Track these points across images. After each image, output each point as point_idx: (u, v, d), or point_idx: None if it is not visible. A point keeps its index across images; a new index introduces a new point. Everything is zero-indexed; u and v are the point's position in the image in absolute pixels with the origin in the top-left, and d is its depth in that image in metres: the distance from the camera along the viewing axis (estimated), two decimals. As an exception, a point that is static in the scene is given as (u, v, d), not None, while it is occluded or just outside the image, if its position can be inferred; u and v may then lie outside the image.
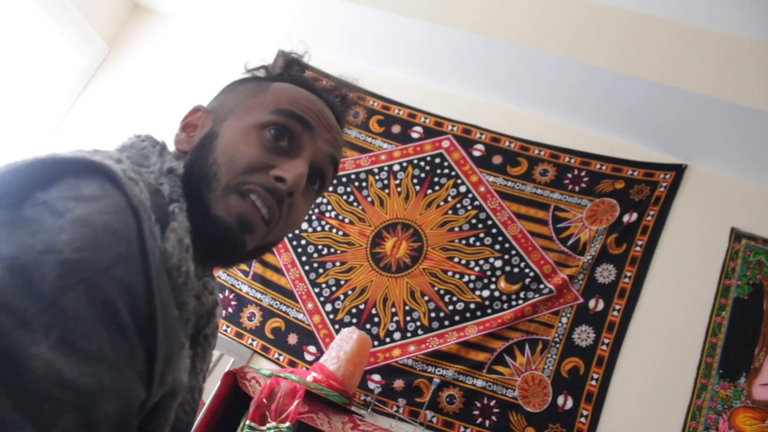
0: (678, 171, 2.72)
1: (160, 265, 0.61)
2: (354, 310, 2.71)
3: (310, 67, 1.00)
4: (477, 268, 2.70)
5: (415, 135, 2.99)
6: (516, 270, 2.67)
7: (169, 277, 0.63)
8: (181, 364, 0.64)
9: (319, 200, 2.91)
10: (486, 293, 2.65)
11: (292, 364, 2.65)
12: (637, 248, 2.64)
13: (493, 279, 2.67)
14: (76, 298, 0.51)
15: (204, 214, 0.74)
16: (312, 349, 2.67)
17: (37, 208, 0.56)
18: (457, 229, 2.78)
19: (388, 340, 2.64)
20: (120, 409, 0.52)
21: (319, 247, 2.84)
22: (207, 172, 0.77)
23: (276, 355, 2.68)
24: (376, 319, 2.68)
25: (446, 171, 2.90)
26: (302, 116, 0.83)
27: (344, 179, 2.95)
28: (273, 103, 0.84)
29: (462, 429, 2.48)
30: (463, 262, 2.72)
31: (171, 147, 0.83)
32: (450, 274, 2.71)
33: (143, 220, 0.60)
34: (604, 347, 2.50)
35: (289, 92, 0.87)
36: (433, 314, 2.65)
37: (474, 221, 2.78)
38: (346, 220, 2.87)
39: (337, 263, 2.80)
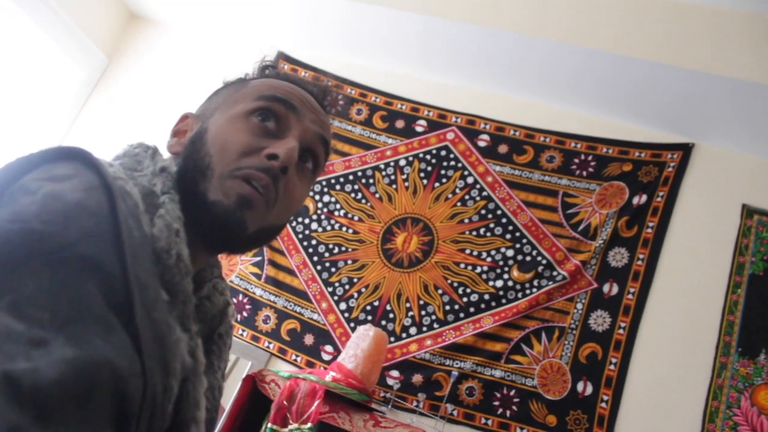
0: (685, 150, 2.71)
1: (138, 245, 0.61)
2: (368, 308, 2.71)
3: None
4: (489, 259, 2.69)
5: (419, 129, 2.99)
6: (528, 258, 2.66)
7: (158, 259, 0.65)
8: (180, 347, 0.63)
9: (327, 199, 2.91)
10: (499, 283, 2.64)
11: (309, 364, 2.65)
12: (649, 230, 2.63)
13: (506, 269, 2.67)
14: (38, 268, 0.50)
15: (202, 203, 0.76)
16: (329, 348, 2.67)
17: (13, 191, 0.57)
18: (466, 220, 2.78)
19: (404, 335, 2.64)
20: (82, 376, 0.48)
21: (330, 246, 2.84)
22: (200, 164, 0.79)
23: (293, 357, 2.69)
24: (391, 315, 2.68)
25: (452, 163, 2.89)
26: (284, 98, 0.86)
27: (351, 177, 2.95)
28: (255, 92, 0.87)
29: (483, 420, 2.47)
30: (475, 253, 2.71)
31: (164, 153, 0.85)
32: (462, 266, 2.70)
33: (116, 197, 0.61)
34: (620, 331, 2.49)
35: (269, 82, 0.90)
36: (447, 307, 2.65)
37: (483, 212, 2.78)
38: (356, 218, 2.87)
39: (349, 261, 2.80)
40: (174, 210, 0.71)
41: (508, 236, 2.72)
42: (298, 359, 2.68)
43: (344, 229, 2.86)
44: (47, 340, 0.47)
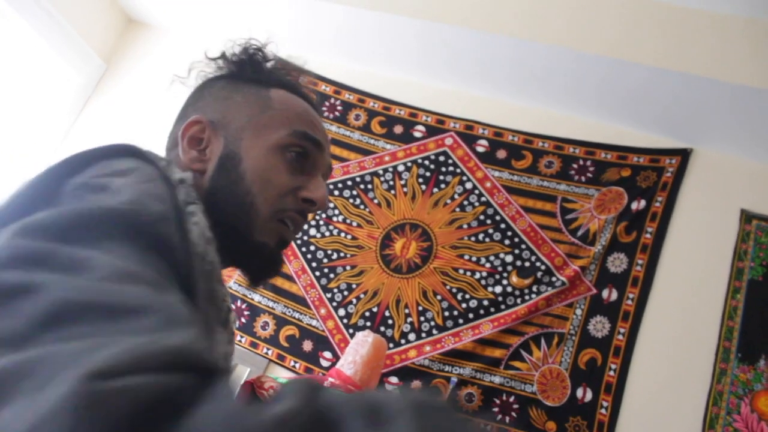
0: (684, 155, 2.71)
1: (195, 237, 0.63)
2: (367, 314, 2.70)
3: (290, 65, 1.02)
4: (488, 265, 2.69)
5: (417, 134, 2.98)
6: (527, 264, 2.66)
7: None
8: (218, 350, 0.66)
9: (325, 205, 2.91)
10: (498, 289, 2.64)
11: (308, 371, 2.65)
12: (648, 235, 2.62)
13: (505, 274, 2.66)
14: (120, 239, 0.51)
15: (246, 241, 0.80)
16: (327, 354, 2.67)
17: (75, 190, 0.56)
18: (465, 226, 2.77)
19: (403, 341, 2.63)
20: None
21: (329, 252, 2.83)
22: (242, 201, 0.80)
23: (292, 363, 2.68)
24: (390, 321, 2.67)
25: (451, 168, 2.89)
26: (316, 138, 0.88)
27: (349, 182, 2.94)
28: (286, 121, 0.87)
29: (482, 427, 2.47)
30: (474, 259, 2.71)
31: (161, 152, 0.86)
32: (461, 271, 2.70)
33: (176, 188, 0.63)
34: (620, 337, 2.49)
35: (293, 107, 0.90)
36: (446, 313, 2.65)
37: (482, 217, 2.77)
38: (354, 224, 2.86)
39: (348, 267, 2.80)
40: (204, 219, 0.71)
41: (507, 242, 2.71)
42: (297, 365, 2.67)
43: (343, 234, 2.85)
44: (163, 286, 0.48)
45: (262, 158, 0.83)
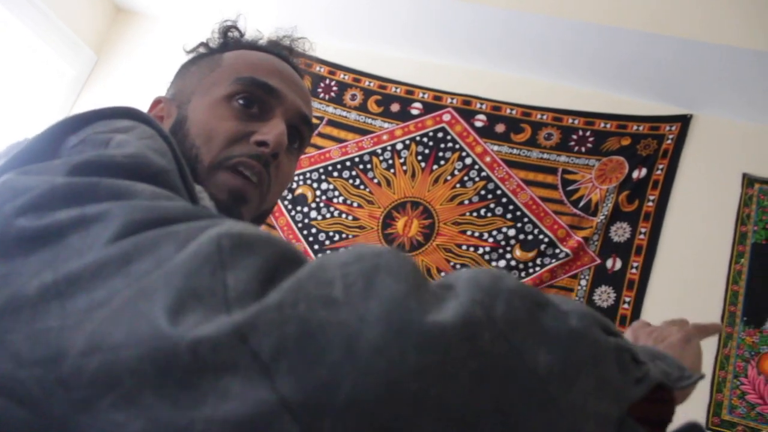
0: (683, 121, 2.69)
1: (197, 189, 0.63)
2: (372, 294, 2.69)
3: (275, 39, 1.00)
4: (491, 239, 2.68)
5: (414, 111, 2.96)
6: (530, 237, 2.65)
7: None
8: None
9: (325, 186, 2.89)
10: (502, 263, 2.63)
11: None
12: (650, 203, 2.61)
13: (508, 248, 2.66)
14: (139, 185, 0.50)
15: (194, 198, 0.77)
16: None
17: (76, 146, 0.54)
18: (466, 201, 2.76)
19: (409, 319, 2.63)
20: None
21: (331, 233, 2.83)
22: (188, 156, 0.77)
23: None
24: (394, 300, 2.66)
25: (450, 145, 2.87)
26: (265, 82, 0.83)
27: (348, 163, 2.92)
28: (232, 73, 0.84)
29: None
30: (477, 234, 2.70)
31: None
32: (464, 247, 2.69)
33: (173, 144, 0.61)
34: (626, 306, 2.49)
35: (244, 58, 0.87)
36: (451, 290, 2.64)
37: (483, 192, 2.76)
38: (355, 204, 2.85)
39: (350, 248, 2.79)
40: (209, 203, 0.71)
41: (509, 216, 2.70)
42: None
43: (344, 216, 2.84)
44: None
45: (206, 111, 0.81)
